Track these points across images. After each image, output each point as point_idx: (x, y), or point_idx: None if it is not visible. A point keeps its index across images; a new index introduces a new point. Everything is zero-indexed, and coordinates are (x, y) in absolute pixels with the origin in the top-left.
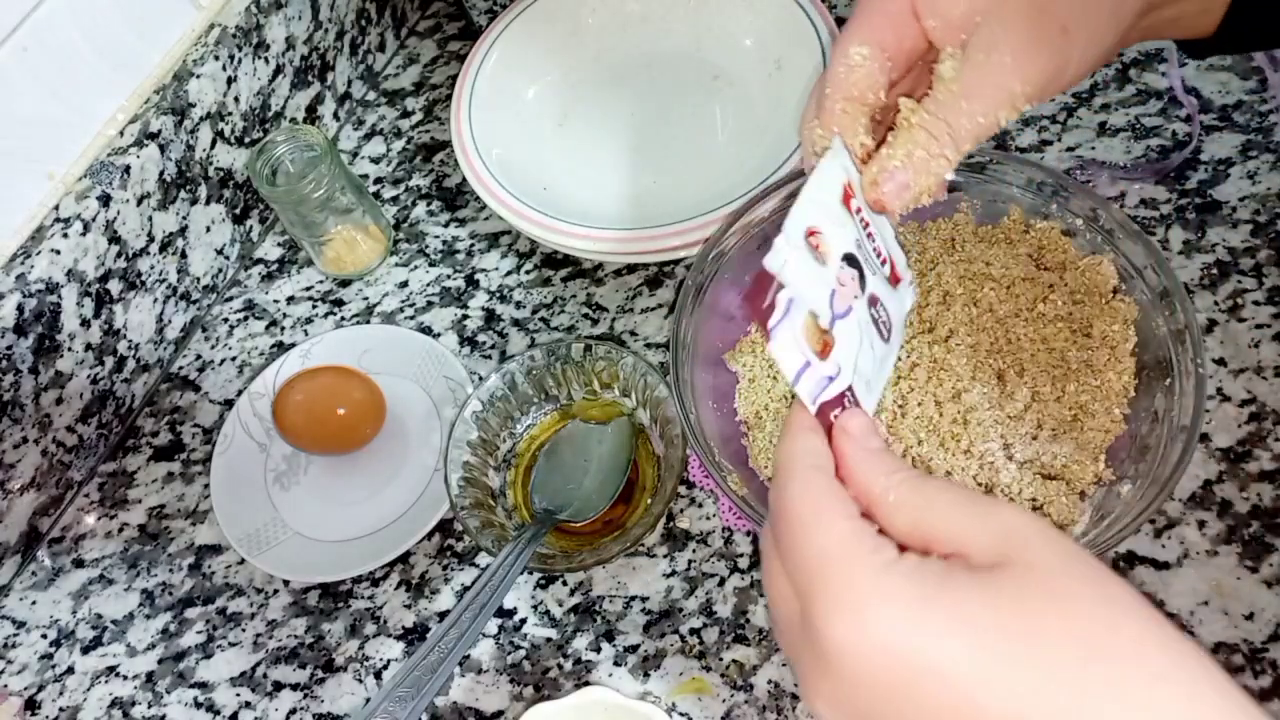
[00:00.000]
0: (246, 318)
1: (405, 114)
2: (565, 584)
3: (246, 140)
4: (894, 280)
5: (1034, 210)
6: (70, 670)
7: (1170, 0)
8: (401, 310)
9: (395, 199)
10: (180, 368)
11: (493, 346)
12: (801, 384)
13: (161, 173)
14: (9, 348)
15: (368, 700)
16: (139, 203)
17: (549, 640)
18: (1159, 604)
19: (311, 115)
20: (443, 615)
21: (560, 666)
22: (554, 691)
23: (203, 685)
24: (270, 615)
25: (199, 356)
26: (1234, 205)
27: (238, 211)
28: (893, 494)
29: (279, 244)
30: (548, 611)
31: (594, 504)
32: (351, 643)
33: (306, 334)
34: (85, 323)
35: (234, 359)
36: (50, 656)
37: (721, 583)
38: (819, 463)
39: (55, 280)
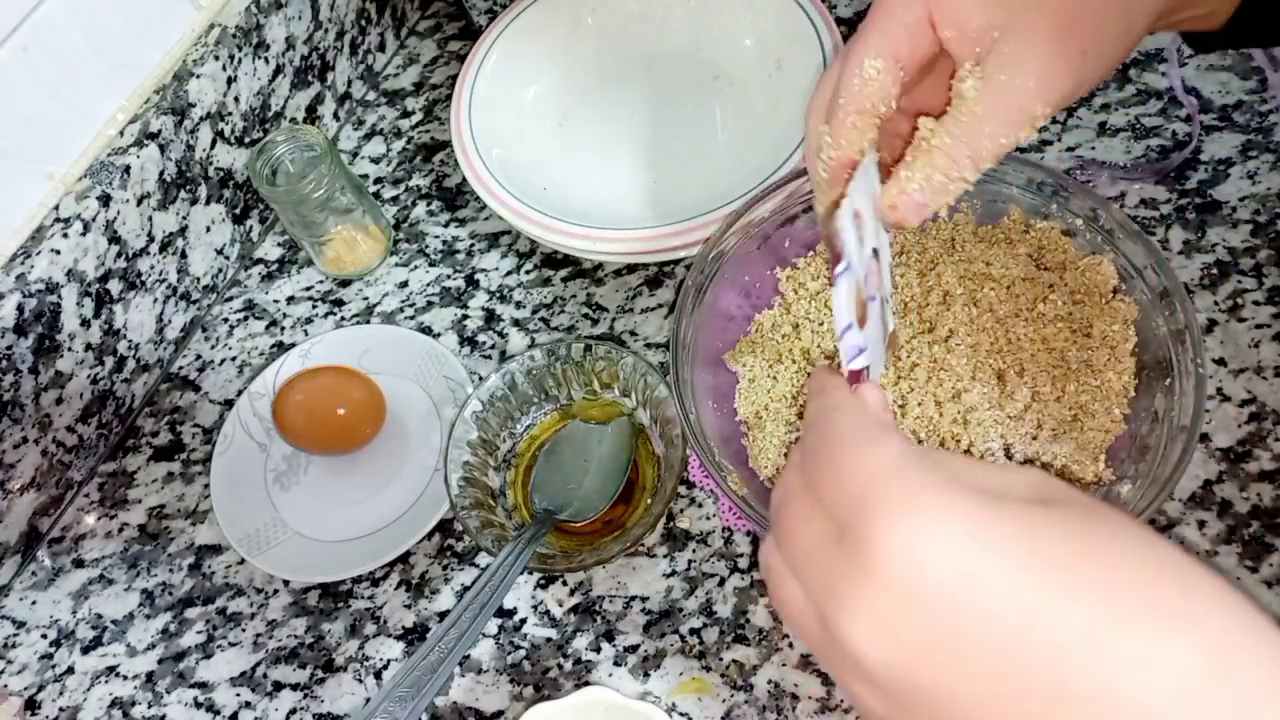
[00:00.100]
0: (246, 318)
1: (405, 114)
2: (565, 584)
3: (246, 140)
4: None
5: (1034, 210)
6: (70, 670)
7: (1174, 12)
8: (401, 310)
9: (395, 199)
10: (180, 368)
11: (493, 346)
12: (844, 341)
13: (161, 173)
14: (9, 348)
15: (368, 700)
16: (139, 203)
17: (549, 640)
18: None
19: (311, 115)
20: (443, 615)
21: (560, 666)
22: (554, 691)
23: (203, 685)
24: (270, 615)
25: (199, 356)
26: (1234, 205)
27: (238, 211)
28: None
29: (279, 244)
30: (548, 611)
31: (594, 504)
32: (351, 643)
33: (306, 334)
34: (85, 323)
35: (234, 359)
36: (50, 656)
37: (721, 583)
38: (858, 403)
39: (55, 280)
